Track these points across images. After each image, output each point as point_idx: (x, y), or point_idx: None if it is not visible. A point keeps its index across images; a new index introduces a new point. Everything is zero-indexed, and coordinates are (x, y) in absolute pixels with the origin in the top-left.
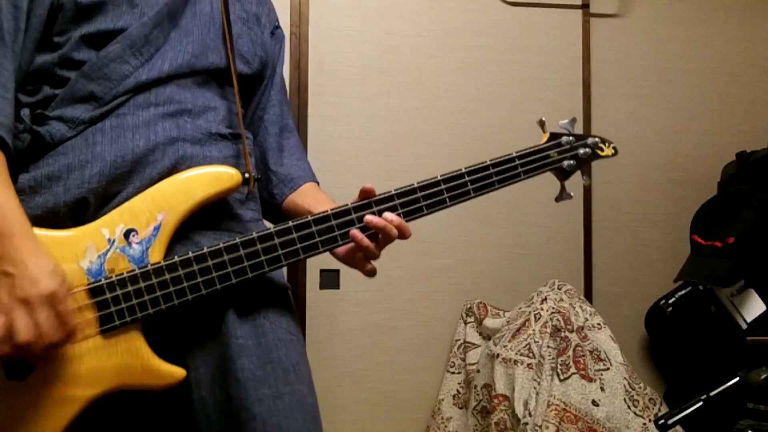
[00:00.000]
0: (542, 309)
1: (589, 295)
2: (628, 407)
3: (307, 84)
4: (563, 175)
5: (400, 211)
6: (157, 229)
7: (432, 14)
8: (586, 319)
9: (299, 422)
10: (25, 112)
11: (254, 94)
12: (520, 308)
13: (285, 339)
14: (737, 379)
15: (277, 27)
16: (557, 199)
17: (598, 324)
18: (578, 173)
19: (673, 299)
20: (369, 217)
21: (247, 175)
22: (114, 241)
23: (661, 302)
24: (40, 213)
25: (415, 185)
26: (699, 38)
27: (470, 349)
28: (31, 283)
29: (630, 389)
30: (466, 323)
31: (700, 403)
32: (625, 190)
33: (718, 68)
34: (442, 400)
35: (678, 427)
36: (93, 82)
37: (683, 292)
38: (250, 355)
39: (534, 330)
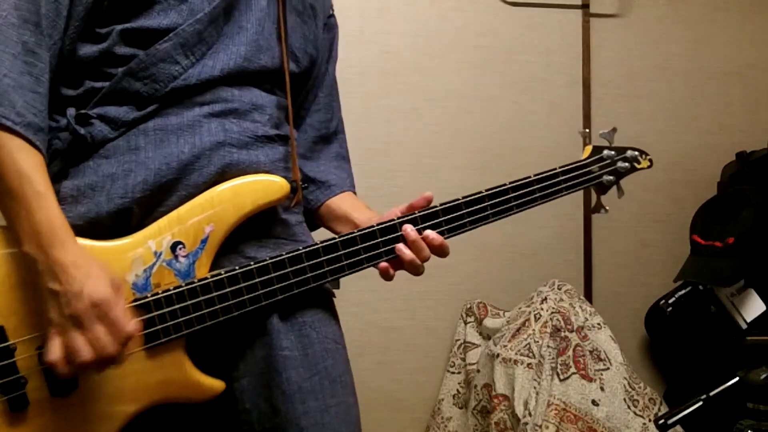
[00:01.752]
0: (542, 309)
1: (589, 295)
2: (628, 407)
3: None
4: (601, 189)
5: (445, 228)
6: (204, 241)
7: (432, 14)
8: (586, 319)
9: None
10: (71, 112)
11: (299, 92)
12: (520, 308)
13: (331, 349)
14: (737, 379)
15: (331, 15)
16: (593, 211)
17: (598, 324)
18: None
19: (673, 299)
20: (406, 227)
21: (294, 184)
22: (161, 254)
23: (661, 302)
24: (82, 223)
25: (461, 200)
26: (699, 38)
27: (470, 349)
28: (75, 297)
29: (630, 389)
30: (466, 323)
31: (700, 403)
32: (625, 190)
33: (718, 68)
34: (442, 400)
35: (678, 427)
36: (139, 82)
37: (683, 292)
38: (296, 367)
39: (534, 330)
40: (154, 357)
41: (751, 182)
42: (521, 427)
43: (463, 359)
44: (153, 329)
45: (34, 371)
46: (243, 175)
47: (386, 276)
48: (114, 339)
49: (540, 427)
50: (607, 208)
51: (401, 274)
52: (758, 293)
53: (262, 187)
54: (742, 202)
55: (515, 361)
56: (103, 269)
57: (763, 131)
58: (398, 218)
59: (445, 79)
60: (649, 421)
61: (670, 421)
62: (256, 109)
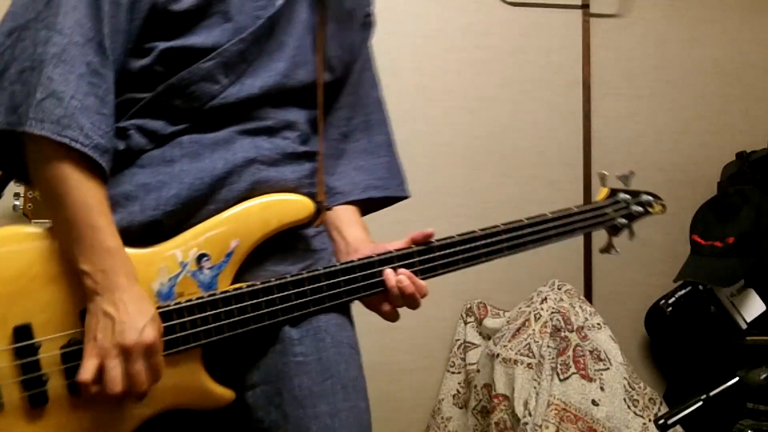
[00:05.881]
0: (542, 309)
1: (589, 295)
2: (628, 407)
3: None
4: (613, 231)
5: (461, 256)
6: (229, 255)
7: (432, 14)
8: (586, 319)
9: None
10: None
11: (329, 98)
12: (520, 308)
13: (345, 353)
14: (737, 379)
15: (368, 14)
16: (602, 251)
17: (598, 324)
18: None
19: (673, 299)
20: (387, 272)
21: (319, 206)
22: (186, 264)
23: (661, 302)
24: None
25: (479, 232)
26: (699, 38)
27: (470, 349)
28: (133, 331)
29: (630, 389)
30: (466, 323)
31: (700, 403)
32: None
33: (718, 68)
34: (442, 400)
35: (678, 427)
36: (179, 99)
37: (683, 292)
38: (309, 372)
39: (534, 330)
40: (172, 363)
41: (751, 182)
42: (521, 427)
43: (463, 359)
44: (173, 336)
45: (55, 370)
46: (270, 191)
47: (388, 314)
48: (148, 381)
49: (540, 427)
50: (618, 249)
51: None
52: (758, 293)
53: (288, 206)
54: (742, 202)
55: (515, 361)
56: (157, 314)
57: (763, 131)
58: (397, 250)
59: (445, 79)
60: (649, 421)
61: (670, 421)
62: (288, 126)
